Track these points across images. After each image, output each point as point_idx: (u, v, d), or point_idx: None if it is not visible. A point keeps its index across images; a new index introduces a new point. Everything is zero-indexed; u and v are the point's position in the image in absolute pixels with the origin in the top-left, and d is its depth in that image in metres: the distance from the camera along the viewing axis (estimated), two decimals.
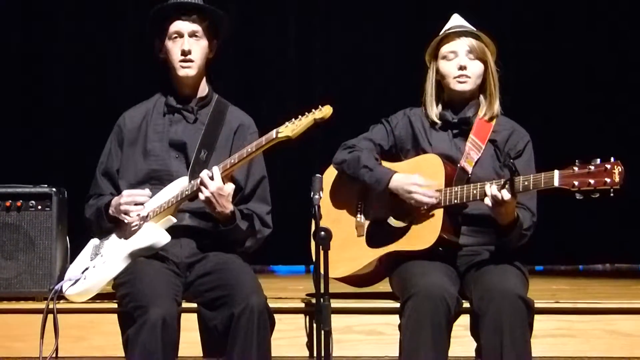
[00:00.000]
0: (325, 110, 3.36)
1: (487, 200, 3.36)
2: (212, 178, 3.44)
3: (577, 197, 3.24)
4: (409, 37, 6.21)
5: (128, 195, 3.55)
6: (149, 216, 3.54)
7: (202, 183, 3.45)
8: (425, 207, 3.53)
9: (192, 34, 3.65)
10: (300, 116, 3.38)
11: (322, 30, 6.39)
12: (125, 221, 3.55)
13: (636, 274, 6.08)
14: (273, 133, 3.39)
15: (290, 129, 3.36)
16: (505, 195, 3.32)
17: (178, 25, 3.65)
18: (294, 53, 6.38)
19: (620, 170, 3.19)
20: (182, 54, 3.64)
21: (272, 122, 3.44)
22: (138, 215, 3.53)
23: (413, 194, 3.53)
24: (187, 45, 3.63)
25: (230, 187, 3.48)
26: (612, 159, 3.20)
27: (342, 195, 3.76)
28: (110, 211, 3.59)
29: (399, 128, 3.74)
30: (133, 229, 3.55)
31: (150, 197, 3.57)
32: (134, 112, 3.78)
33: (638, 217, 6.07)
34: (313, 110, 3.38)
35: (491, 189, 3.35)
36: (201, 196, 3.45)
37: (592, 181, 3.20)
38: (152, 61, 3.80)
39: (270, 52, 6.34)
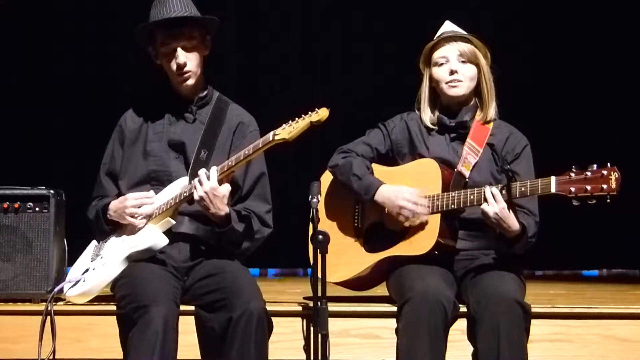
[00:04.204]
0: (322, 113, 3.35)
1: (487, 206, 3.35)
2: (208, 178, 3.44)
3: (574, 204, 3.24)
4: (406, 39, 6.21)
5: (135, 198, 3.54)
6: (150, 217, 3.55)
7: (198, 181, 3.44)
8: (416, 222, 3.52)
9: (184, 47, 3.59)
10: (297, 118, 3.37)
11: (323, 34, 6.40)
12: (136, 223, 3.52)
13: (633, 279, 6.10)
14: (270, 135, 3.39)
15: (287, 131, 3.35)
16: (500, 203, 3.32)
17: (168, 41, 3.59)
18: (296, 58, 6.40)
19: (617, 176, 3.19)
20: (177, 69, 3.60)
21: (272, 124, 3.44)
22: (144, 218, 3.53)
23: (403, 209, 3.52)
24: (182, 59, 3.58)
25: (225, 189, 3.46)
26: (608, 165, 3.20)
27: (339, 199, 3.75)
28: (108, 215, 3.59)
29: (396, 132, 3.74)
30: (133, 230, 3.55)
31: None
32: (135, 112, 3.75)
33: (635, 223, 6.08)
34: (310, 112, 3.37)
35: (491, 189, 3.35)
36: (195, 195, 3.44)
37: (588, 187, 3.20)
38: (149, 62, 3.78)
39: (272, 56, 6.35)
